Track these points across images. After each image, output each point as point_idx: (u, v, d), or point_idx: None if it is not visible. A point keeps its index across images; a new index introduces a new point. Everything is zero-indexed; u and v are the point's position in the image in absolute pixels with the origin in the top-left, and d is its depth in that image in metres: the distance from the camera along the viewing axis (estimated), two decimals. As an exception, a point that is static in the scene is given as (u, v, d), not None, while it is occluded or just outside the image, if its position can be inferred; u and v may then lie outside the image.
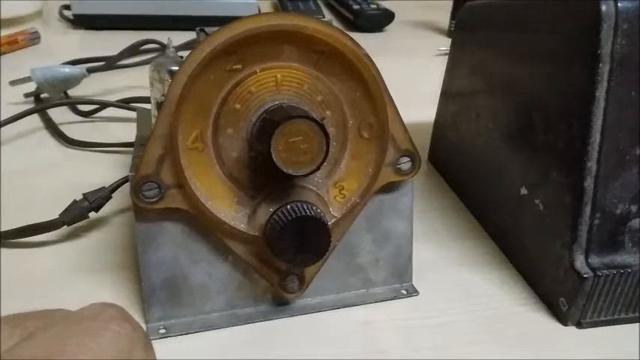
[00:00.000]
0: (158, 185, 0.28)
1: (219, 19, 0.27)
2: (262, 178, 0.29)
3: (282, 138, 0.26)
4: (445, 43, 0.75)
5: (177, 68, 0.29)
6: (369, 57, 0.30)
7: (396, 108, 0.31)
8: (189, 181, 0.28)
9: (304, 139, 0.26)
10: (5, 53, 0.72)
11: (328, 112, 0.30)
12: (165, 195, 0.28)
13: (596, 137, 0.30)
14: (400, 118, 0.31)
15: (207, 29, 0.35)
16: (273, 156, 0.26)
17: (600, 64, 0.30)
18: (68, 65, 0.59)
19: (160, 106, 0.29)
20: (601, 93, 0.30)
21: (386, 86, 0.30)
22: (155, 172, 0.28)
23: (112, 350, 0.18)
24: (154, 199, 0.28)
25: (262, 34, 0.28)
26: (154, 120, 0.32)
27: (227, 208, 0.29)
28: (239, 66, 0.28)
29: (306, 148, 0.27)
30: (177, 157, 0.28)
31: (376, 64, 0.30)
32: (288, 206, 0.28)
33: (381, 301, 0.34)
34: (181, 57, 0.36)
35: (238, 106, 0.28)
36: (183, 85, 0.27)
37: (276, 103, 0.28)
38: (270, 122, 0.27)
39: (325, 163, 0.27)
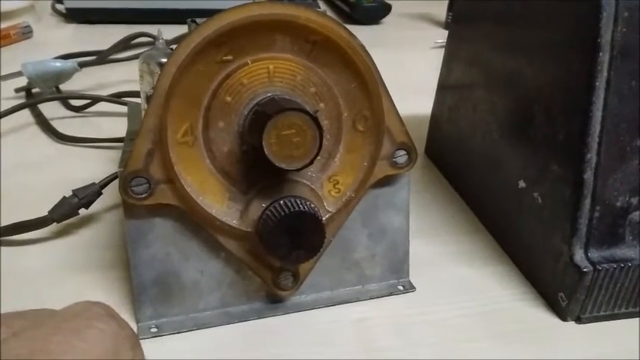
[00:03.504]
0: (147, 180, 0.27)
1: (213, 12, 0.26)
2: (254, 172, 0.29)
3: (275, 131, 0.25)
4: (442, 36, 0.74)
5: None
6: (364, 47, 0.29)
7: (392, 100, 0.30)
8: (179, 176, 0.27)
9: (297, 132, 0.26)
10: (-3, 48, 0.72)
11: (322, 105, 0.29)
12: (154, 190, 0.28)
13: (595, 128, 0.30)
14: (396, 110, 0.30)
15: (198, 20, 0.34)
16: (265, 150, 0.25)
17: (600, 54, 0.29)
18: (59, 60, 0.59)
19: (149, 99, 0.28)
20: (601, 83, 0.29)
21: (381, 78, 0.30)
22: (144, 167, 0.27)
23: (97, 348, 0.18)
24: (144, 195, 0.28)
25: (254, 23, 0.27)
26: (143, 114, 0.31)
27: (218, 203, 0.29)
28: (230, 57, 0.27)
29: (299, 142, 0.26)
30: (167, 151, 0.27)
31: (372, 56, 0.29)
32: (281, 201, 0.27)
33: (377, 298, 0.33)
34: (171, 49, 0.35)
35: (229, 98, 0.28)
36: (172, 77, 0.26)
37: (269, 95, 0.28)
38: (262, 115, 0.26)
39: (319, 157, 0.27)
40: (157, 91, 0.27)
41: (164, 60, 0.32)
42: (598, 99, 0.29)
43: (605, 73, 0.29)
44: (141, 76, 0.34)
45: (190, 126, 0.27)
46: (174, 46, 0.28)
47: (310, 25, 0.27)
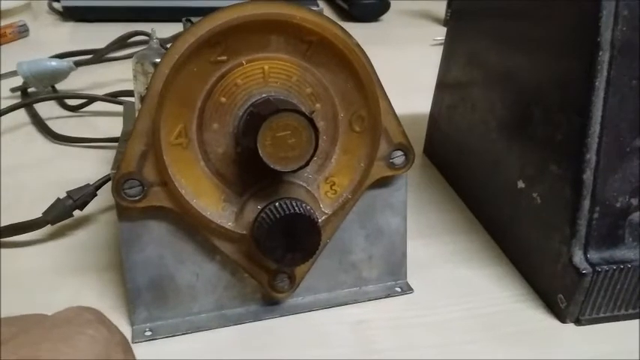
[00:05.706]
0: (141, 183, 0.27)
1: (211, 10, 0.26)
2: (250, 174, 0.28)
3: (270, 132, 0.25)
4: (441, 33, 0.74)
5: (160, 60, 0.28)
6: (360, 47, 0.28)
7: (389, 100, 0.30)
8: (173, 179, 0.27)
9: (292, 133, 0.25)
10: (-7, 46, 0.71)
11: (318, 105, 0.29)
12: (148, 193, 0.27)
13: (595, 128, 0.29)
14: (393, 110, 0.30)
15: (193, 19, 0.34)
16: (260, 151, 0.25)
17: (600, 52, 0.28)
18: (55, 59, 0.58)
19: (142, 100, 0.27)
20: (601, 82, 0.29)
21: (378, 78, 0.29)
22: (137, 170, 0.27)
23: (87, 355, 0.18)
24: (137, 198, 0.27)
25: (248, 23, 0.26)
26: (137, 114, 0.31)
27: (213, 205, 0.28)
28: (224, 57, 0.27)
29: (294, 143, 0.26)
30: (160, 153, 0.27)
31: (370, 55, 0.29)
32: (277, 203, 0.27)
33: (374, 300, 0.33)
34: (166, 49, 0.35)
35: (224, 99, 0.27)
36: (165, 77, 0.26)
37: (264, 96, 0.27)
38: (257, 116, 0.26)
39: (315, 158, 0.27)
40: (149, 92, 0.26)
41: (158, 60, 0.32)
42: (598, 98, 0.29)
43: (605, 73, 0.29)
44: (135, 77, 0.33)
45: (184, 127, 0.27)
46: (168, 46, 0.28)
47: (305, 24, 0.27)
